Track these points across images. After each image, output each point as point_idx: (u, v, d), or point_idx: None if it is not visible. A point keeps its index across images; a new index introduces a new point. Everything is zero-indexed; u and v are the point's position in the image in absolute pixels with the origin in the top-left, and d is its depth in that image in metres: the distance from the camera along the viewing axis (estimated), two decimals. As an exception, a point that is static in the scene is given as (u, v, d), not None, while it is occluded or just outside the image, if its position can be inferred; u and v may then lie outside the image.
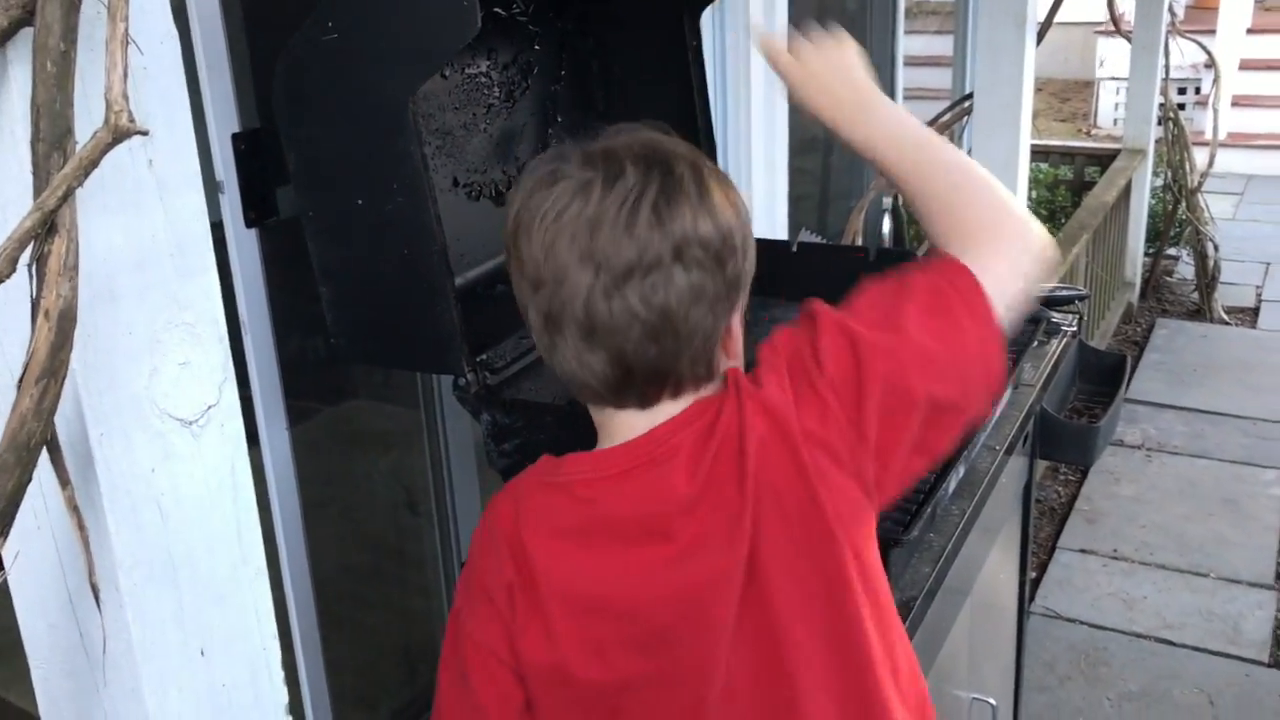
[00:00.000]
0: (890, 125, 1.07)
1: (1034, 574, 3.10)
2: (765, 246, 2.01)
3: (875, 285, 0.98)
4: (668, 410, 0.94)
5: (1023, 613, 2.01)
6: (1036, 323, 1.96)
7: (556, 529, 0.94)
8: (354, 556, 2.07)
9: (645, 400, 0.94)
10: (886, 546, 1.22)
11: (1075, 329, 2.02)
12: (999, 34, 2.52)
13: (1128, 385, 4.18)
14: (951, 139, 3.65)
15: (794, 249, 1.93)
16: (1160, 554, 3.16)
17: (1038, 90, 10.61)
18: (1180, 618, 2.87)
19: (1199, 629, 2.83)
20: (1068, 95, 10.07)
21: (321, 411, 1.97)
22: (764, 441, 0.91)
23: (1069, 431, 1.84)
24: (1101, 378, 2.10)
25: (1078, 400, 2.08)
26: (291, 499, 1.50)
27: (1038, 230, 1.00)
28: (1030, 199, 4.29)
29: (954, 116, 3.35)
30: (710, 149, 2.00)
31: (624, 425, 0.95)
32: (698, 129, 2.00)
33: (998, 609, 1.86)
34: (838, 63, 1.09)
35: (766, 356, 0.95)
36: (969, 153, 2.69)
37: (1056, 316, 2.03)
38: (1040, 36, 2.74)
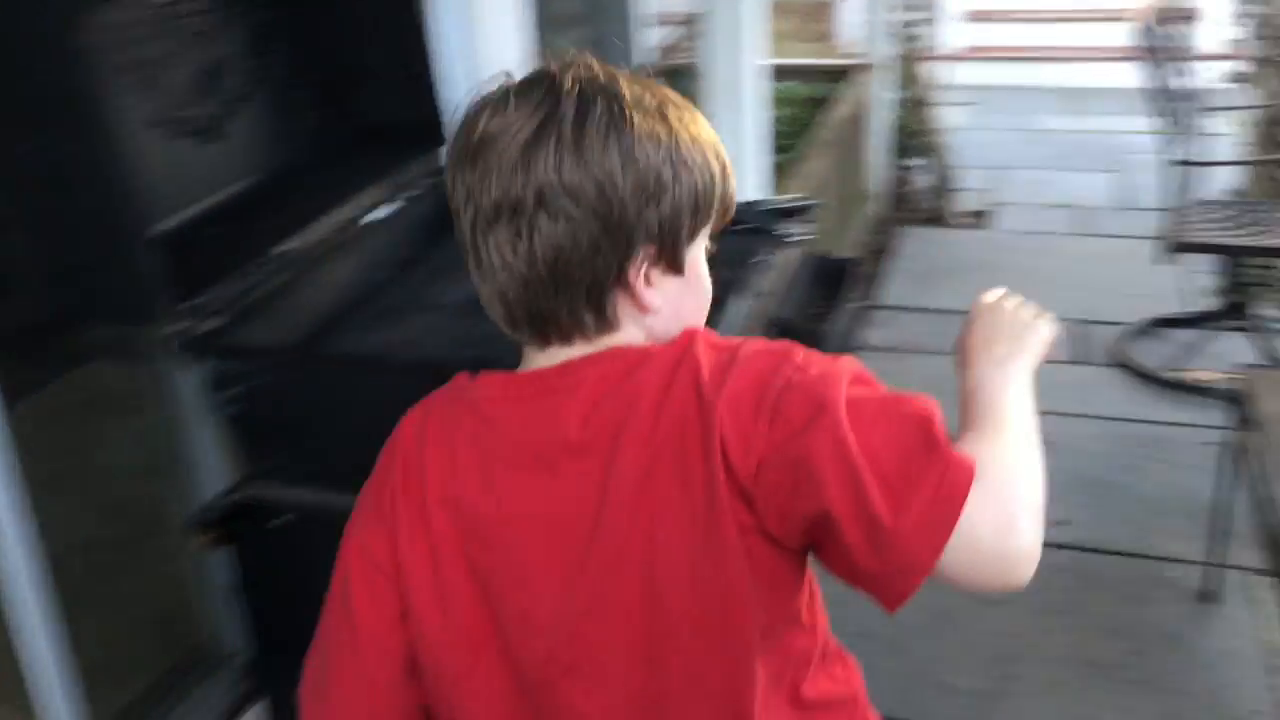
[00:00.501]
0: (1003, 399, 1.02)
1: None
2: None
3: (902, 417, 0.88)
4: (567, 353, 0.92)
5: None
6: (769, 233, 2.03)
7: (455, 441, 0.93)
8: (97, 528, 1.96)
9: (538, 340, 0.92)
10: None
11: (810, 237, 2.10)
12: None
13: (869, 290, 4.40)
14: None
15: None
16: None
17: (784, 12, 10.89)
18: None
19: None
20: (814, 15, 10.38)
21: (49, 383, 1.85)
22: (683, 416, 0.86)
23: (802, 337, 1.91)
24: (835, 283, 2.20)
25: (815, 307, 2.17)
26: (12, 477, 1.41)
27: (1026, 568, 0.88)
28: (783, 117, 4.41)
29: (683, 38, 3.38)
30: (430, 90, 1.95)
31: (530, 355, 0.94)
32: (421, 63, 1.94)
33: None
34: (1021, 325, 1.08)
35: (761, 383, 0.86)
36: (702, 75, 2.73)
37: (791, 227, 2.10)
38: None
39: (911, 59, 5.11)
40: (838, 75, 5.15)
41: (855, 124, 4.63)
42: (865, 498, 0.82)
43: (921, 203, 5.47)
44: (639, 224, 0.87)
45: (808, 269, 2.11)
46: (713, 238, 0.98)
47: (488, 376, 0.95)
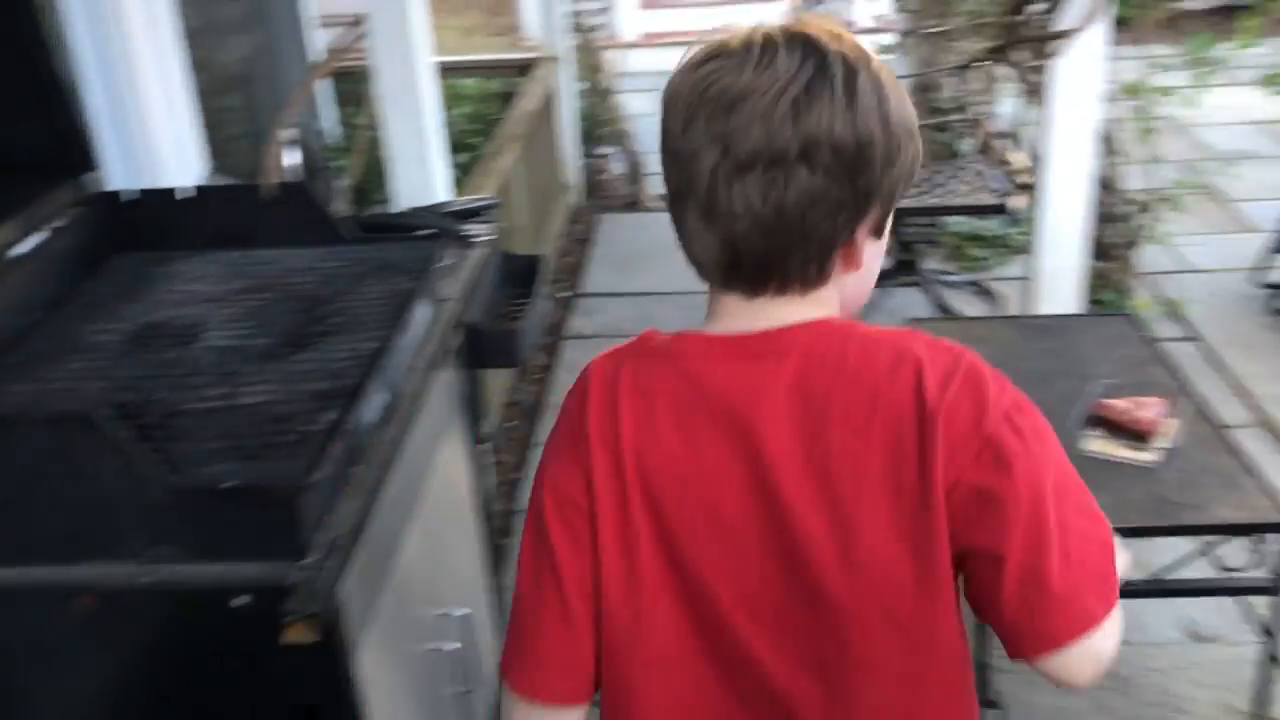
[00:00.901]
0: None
1: (516, 474, 3.23)
2: (155, 197, 1.85)
3: (1096, 522, 0.96)
4: (775, 305, 0.95)
5: (490, 518, 2.07)
6: (451, 235, 1.99)
7: (653, 393, 0.97)
8: None
9: (751, 290, 0.95)
10: (292, 495, 1.19)
11: (492, 236, 2.08)
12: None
13: (574, 280, 4.44)
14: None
15: (178, 196, 1.80)
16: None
17: (468, 7, 10.82)
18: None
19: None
20: (499, 10, 10.36)
21: None
22: (900, 415, 0.91)
23: (491, 337, 1.89)
24: (525, 280, 2.19)
25: (507, 307, 2.15)
26: None
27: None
28: (460, 115, 4.37)
29: (347, 40, 3.26)
30: (68, 112, 1.81)
31: (730, 308, 0.97)
32: (53, 84, 1.79)
33: (458, 521, 1.90)
34: None
35: (981, 407, 0.92)
36: (373, 76, 2.66)
37: (472, 227, 2.07)
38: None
39: (591, 49, 5.18)
40: (523, 69, 5.16)
41: (543, 117, 4.65)
42: (1044, 561, 0.90)
43: (617, 190, 5.57)
44: (880, 185, 0.92)
45: (495, 269, 2.08)
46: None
47: (689, 335, 0.99)
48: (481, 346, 1.87)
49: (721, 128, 0.89)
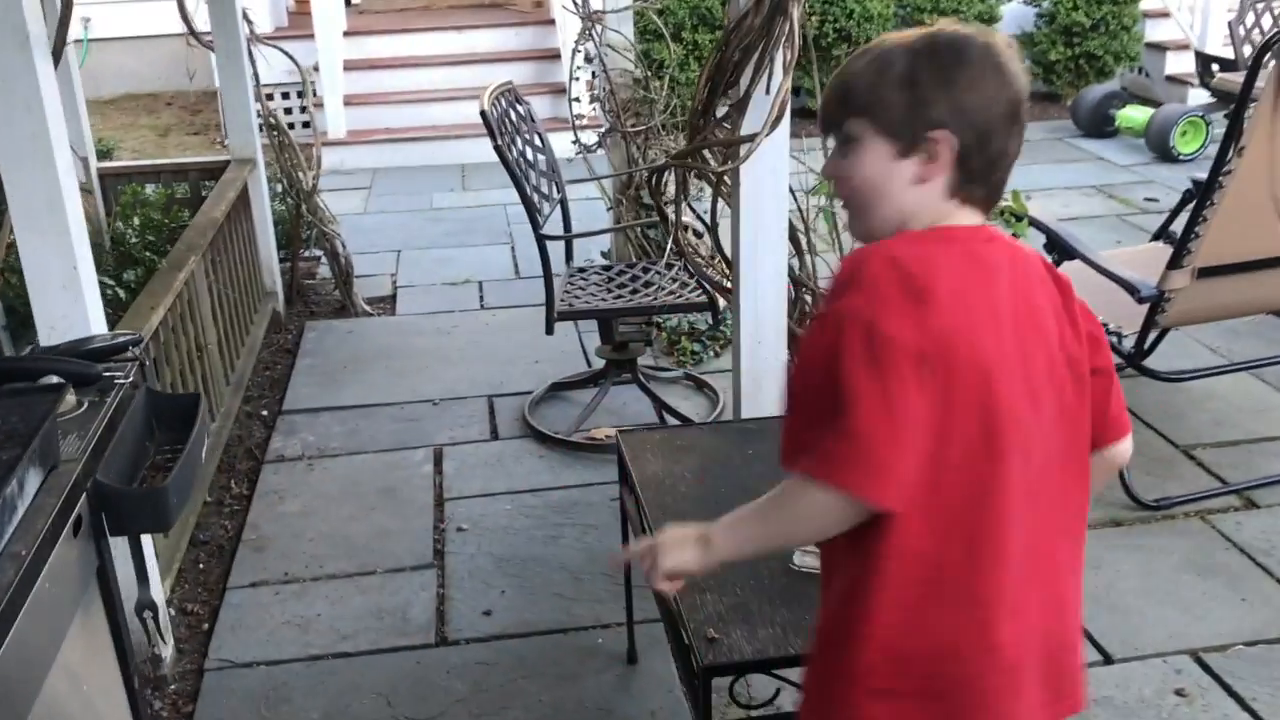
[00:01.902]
0: (733, 540, 1.39)
1: (206, 625, 2.90)
2: None
3: None
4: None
5: (135, 696, 1.77)
6: (82, 380, 1.73)
7: (952, 259, 1.27)
8: None
9: (986, 208, 1.33)
10: None
11: (134, 378, 1.82)
12: (1, 57, 2.21)
13: (278, 397, 4.14)
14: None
15: None
16: (330, 564, 3.15)
17: (167, 104, 10.26)
18: (354, 625, 2.87)
19: (373, 631, 2.85)
20: (199, 107, 9.88)
21: None
22: (1054, 287, 1.37)
23: (132, 499, 1.64)
24: (186, 423, 1.94)
25: (161, 455, 1.90)
26: None
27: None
28: (132, 227, 4.02)
29: None
30: None
31: (964, 217, 1.32)
32: None
33: (100, 709, 1.62)
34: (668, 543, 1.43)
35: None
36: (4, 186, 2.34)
37: (110, 370, 1.81)
38: (56, 56, 2.47)
39: (293, 147, 4.93)
40: (214, 172, 4.85)
41: (235, 222, 4.35)
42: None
43: (327, 295, 5.30)
44: None
45: (141, 414, 1.83)
46: None
47: (949, 229, 1.31)
48: (119, 511, 1.62)
49: (996, 88, 1.28)
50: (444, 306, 5.10)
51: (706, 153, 2.66)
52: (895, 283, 1.22)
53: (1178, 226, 3.91)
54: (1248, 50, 6.77)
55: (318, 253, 5.39)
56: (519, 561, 3.12)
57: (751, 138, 2.38)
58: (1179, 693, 2.53)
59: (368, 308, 5.11)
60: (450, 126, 7.73)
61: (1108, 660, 2.64)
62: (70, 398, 1.65)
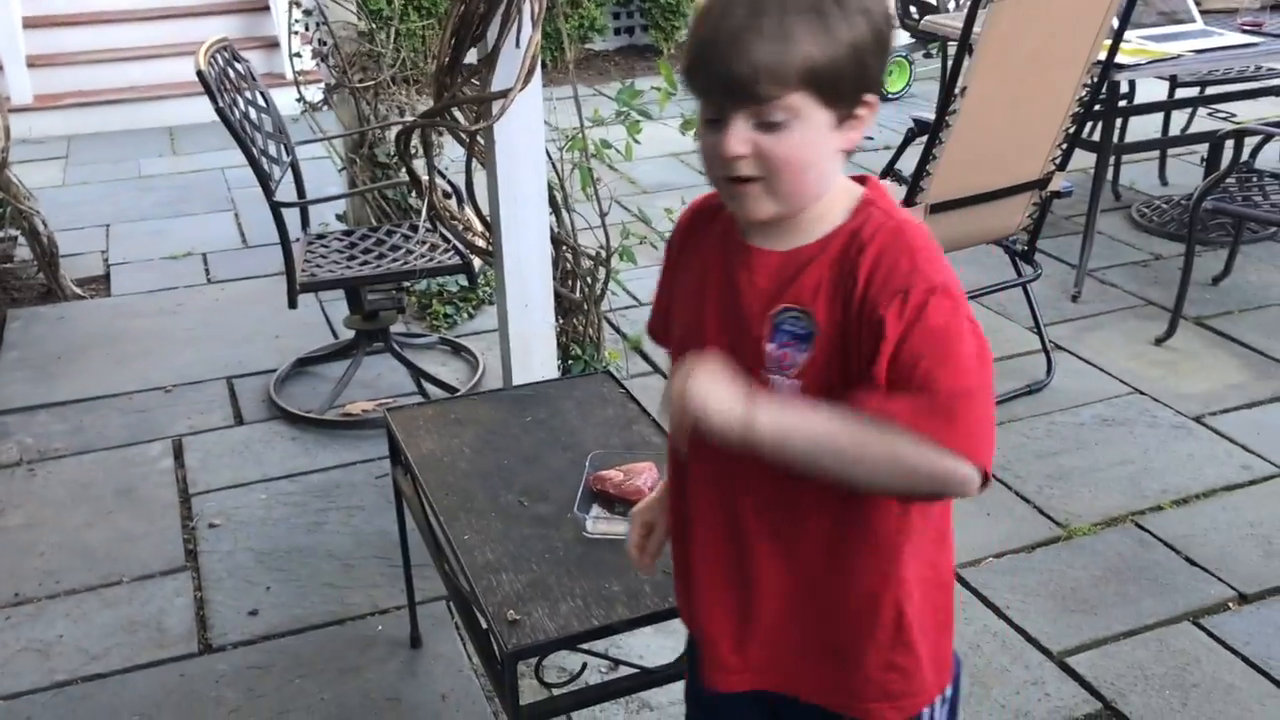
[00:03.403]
0: (787, 435, 1.14)
1: (-75, 664, 2.57)
2: None
3: None
4: None
5: None
6: None
7: None
8: None
9: None
10: None
11: None
12: None
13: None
14: None
15: None
16: (68, 578, 2.86)
17: None
18: (103, 643, 2.62)
19: (125, 646, 2.61)
20: None
21: None
22: None
23: None
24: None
25: None
26: None
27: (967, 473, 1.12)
28: None
29: None
30: None
31: None
32: None
33: None
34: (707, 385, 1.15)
35: None
36: None
37: None
38: None
39: (-29, 118, 4.40)
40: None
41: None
42: None
43: (29, 278, 4.80)
44: None
45: None
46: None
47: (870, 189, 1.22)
48: None
49: None
50: (166, 283, 4.73)
51: (456, 110, 2.54)
52: (939, 251, 1.15)
53: (904, 165, 4.10)
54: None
55: (14, 233, 4.87)
56: (282, 554, 2.93)
57: (505, 93, 2.29)
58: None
59: (78, 290, 4.67)
60: (152, 86, 7.16)
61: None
62: None
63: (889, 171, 4.31)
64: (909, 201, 3.27)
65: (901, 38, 7.80)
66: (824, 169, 1.15)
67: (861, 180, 1.23)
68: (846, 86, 1.11)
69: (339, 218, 4.78)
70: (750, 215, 1.18)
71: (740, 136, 1.12)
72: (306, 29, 4.63)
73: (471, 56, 2.43)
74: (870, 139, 6.36)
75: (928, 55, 7.74)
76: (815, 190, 1.16)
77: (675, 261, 1.37)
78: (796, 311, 1.17)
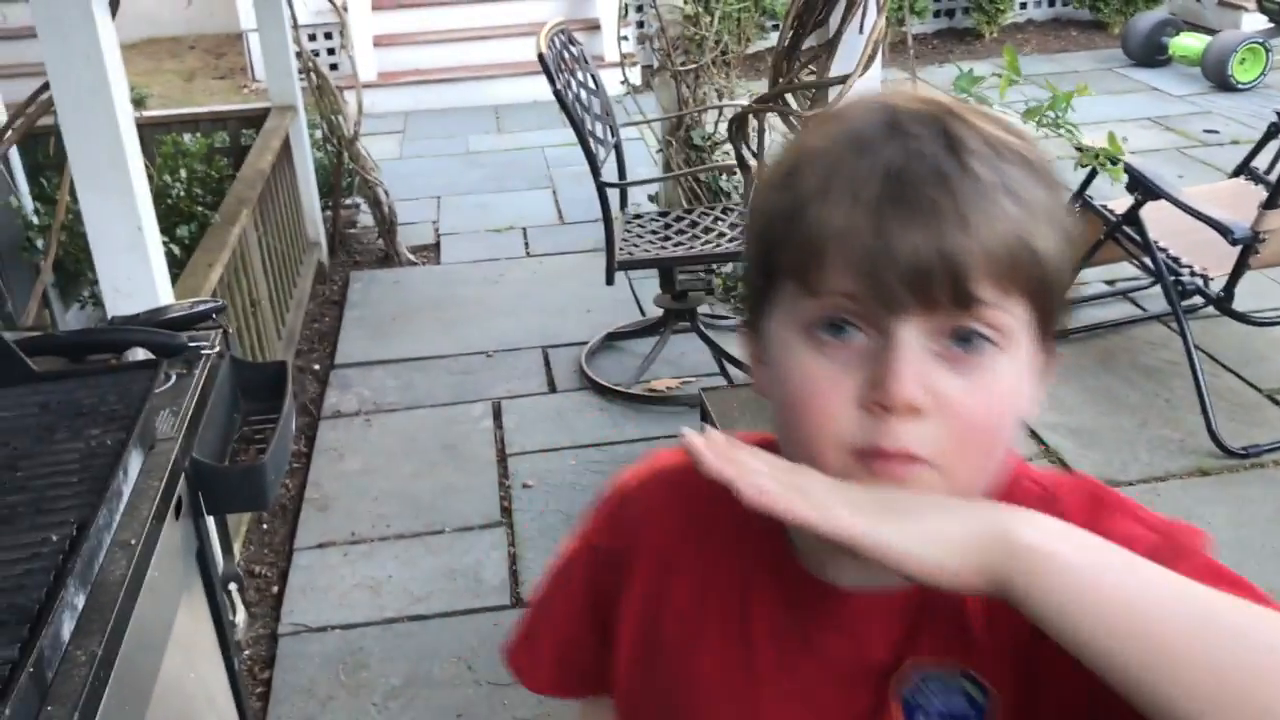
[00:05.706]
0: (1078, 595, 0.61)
1: (276, 588, 2.85)
2: None
3: None
4: None
5: (234, 672, 1.71)
6: (167, 352, 1.65)
7: None
8: None
9: None
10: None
11: (220, 347, 1.74)
12: (58, 7, 2.10)
13: (330, 349, 4.07)
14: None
15: None
16: (397, 523, 3.09)
17: (190, 48, 10.09)
18: (427, 587, 2.81)
19: (446, 592, 2.79)
20: (223, 50, 9.73)
21: None
22: None
23: (230, 479, 1.56)
24: (270, 392, 1.85)
25: (249, 426, 1.82)
26: None
27: None
28: (179, 180, 3.92)
29: (38, 108, 2.84)
30: None
31: None
32: None
33: (209, 684, 1.56)
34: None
35: None
36: (64, 142, 2.24)
37: (194, 339, 1.73)
38: (114, 5, 2.36)
39: (328, 92, 4.81)
40: (251, 120, 4.73)
41: (280, 172, 4.25)
42: None
43: (370, 244, 5.21)
44: None
45: (228, 385, 1.75)
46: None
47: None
48: (215, 490, 1.54)
49: None
50: (489, 254, 5.00)
51: (789, 96, 2.53)
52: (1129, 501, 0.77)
53: (1260, 162, 3.77)
54: (1308, -27, 6.53)
55: (359, 201, 5.28)
56: (589, 519, 3.05)
57: (844, 79, 2.26)
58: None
59: (412, 257, 5.02)
60: (483, 66, 7.56)
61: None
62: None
63: (1243, 169, 3.95)
64: (1272, 204, 2.99)
65: (1257, 21, 7.16)
66: (1009, 441, 0.71)
67: None
68: (1058, 304, 0.70)
69: (651, 199, 4.89)
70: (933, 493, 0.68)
71: (916, 368, 0.65)
72: (637, 10, 4.75)
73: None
74: (1215, 132, 5.88)
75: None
76: (1000, 456, 0.71)
77: (617, 594, 0.85)
78: (944, 675, 0.72)
